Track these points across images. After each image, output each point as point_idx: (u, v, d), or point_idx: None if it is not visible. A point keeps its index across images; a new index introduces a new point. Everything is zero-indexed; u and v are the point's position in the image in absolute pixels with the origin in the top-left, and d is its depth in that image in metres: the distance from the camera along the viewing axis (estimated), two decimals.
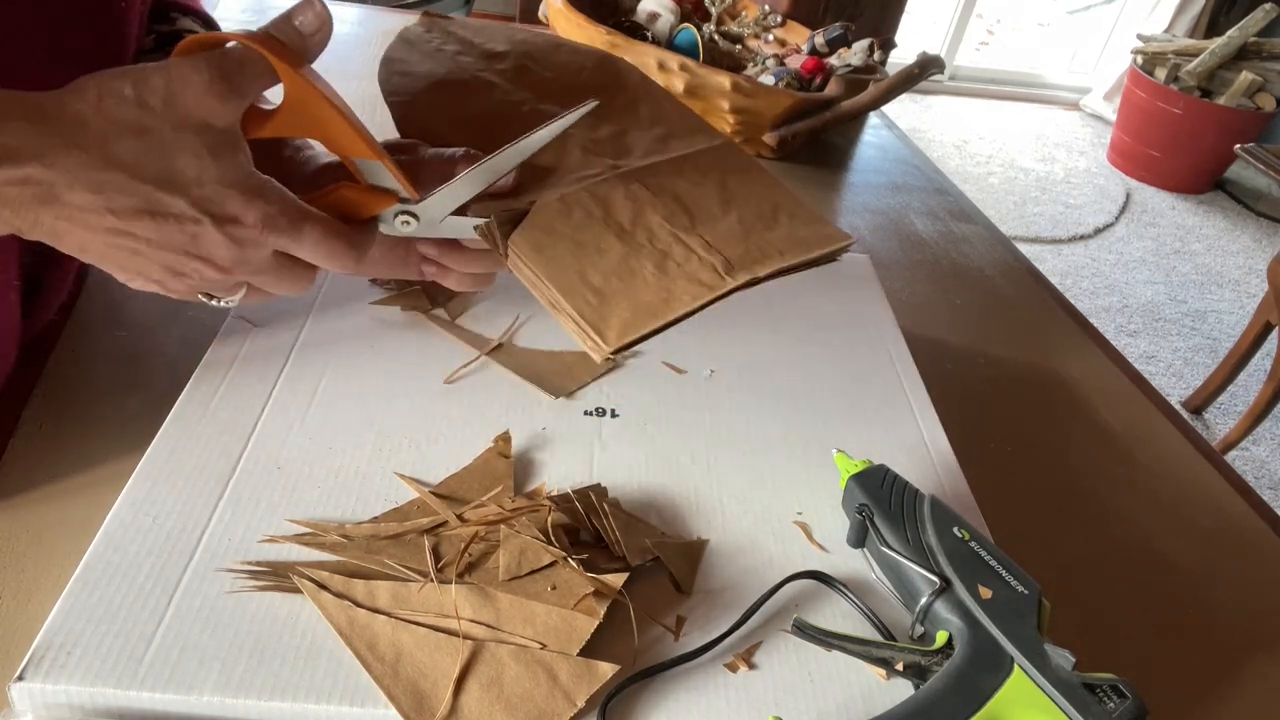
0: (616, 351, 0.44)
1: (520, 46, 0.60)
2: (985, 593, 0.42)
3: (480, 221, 0.46)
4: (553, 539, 0.43)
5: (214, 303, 0.45)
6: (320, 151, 0.51)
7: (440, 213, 0.46)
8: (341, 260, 0.43)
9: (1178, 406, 2.07)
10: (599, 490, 0.49)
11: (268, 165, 0.41)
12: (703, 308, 0.46)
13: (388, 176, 0.44)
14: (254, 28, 0.41)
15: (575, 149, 0.52)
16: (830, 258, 0.52)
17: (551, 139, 0.47)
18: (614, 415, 0.55)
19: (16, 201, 0.35)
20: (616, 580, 0.42)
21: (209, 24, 0.65)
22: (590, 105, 0.48)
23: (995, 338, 0.79)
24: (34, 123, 0.35)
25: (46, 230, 0.37)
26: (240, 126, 0.39)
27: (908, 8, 1.78)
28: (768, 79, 1.03)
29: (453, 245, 0.49)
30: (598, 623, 0.40)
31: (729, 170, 0.54)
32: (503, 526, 0.44)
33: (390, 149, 0.47)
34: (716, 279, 0.47)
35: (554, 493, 0.48)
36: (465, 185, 0.46)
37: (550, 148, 0.49)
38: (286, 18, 0.40)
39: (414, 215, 0.46)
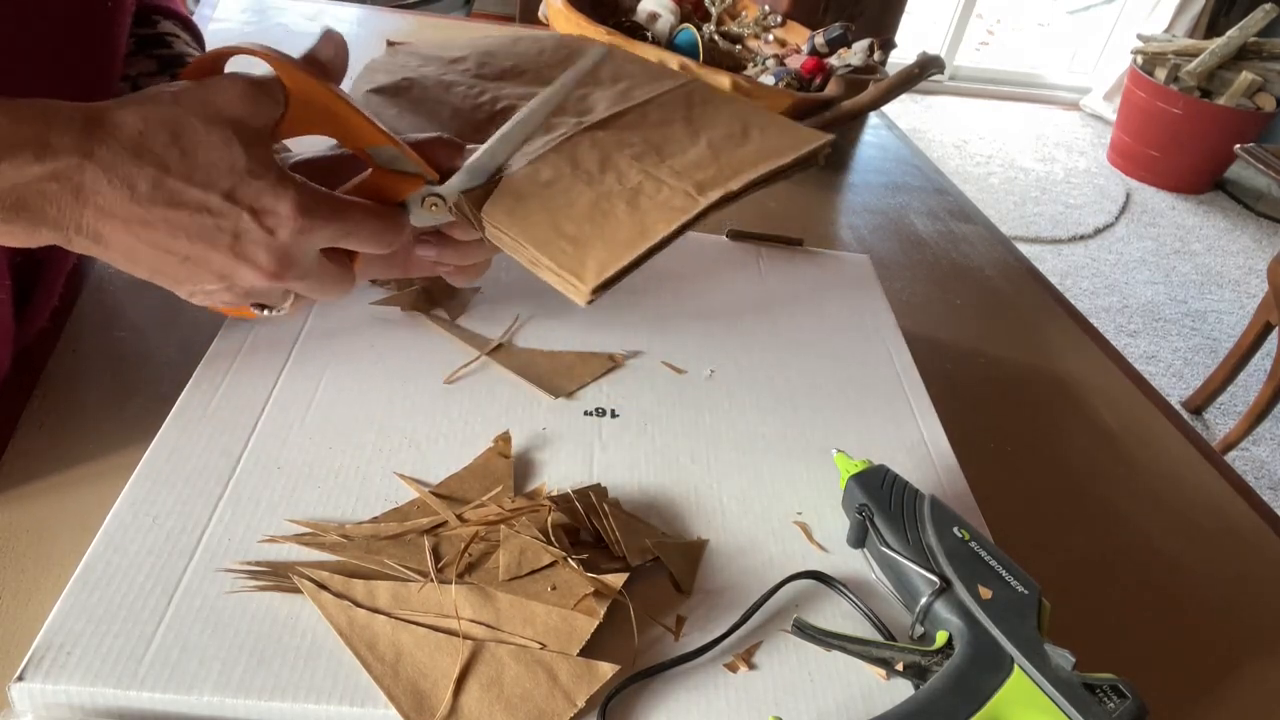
0: (599, 289, 0.45)
1: (479, 45, 0.62)
2: (985, 593, 0.42)
3: (451, 201, 0.47)
4: (553, 539, 0.43)
5: (266, 313, 0.45)
6: (296, 154, 0.51)
7: (474, 175, 0.47)
8: (388, 239, 0.44)
9: (1178, 406, 2.07)
10: (599, 490, 0.49)
11: None
12: (681, 231, 0.47)
13: (407, 162, 0.45)
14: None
15: (500, 105, 0.54)
16: (810, 161, 0.52)
17: (564, 95, 0.49)
18: (614, 415, 0.55)
19: (57, 198, 0.36)
20: (616, 580, 0.42)
21: (189, 27, 0.65)
22: (601, 51, 0.50)
23: (995, 338, 0.79)
24: (77, 125, 0.36)
25: (90, 234, 0.37)
26: None
27: (908, 8, 1.78)
28: (768, 79, 1.03)
29: (444, 239, 0.49)
30: (598, 623, 0.40)
31: (695, 104, 0.55)
32: (503, 526, 0.44)
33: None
34: (689, 201, 0.48)
35: (554, 493, 0.48)
36: (494, 146, 0.47)
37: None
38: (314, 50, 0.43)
39: (440, 197, 0.46)
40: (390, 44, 0.65)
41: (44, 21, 0.47)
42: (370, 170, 0.45)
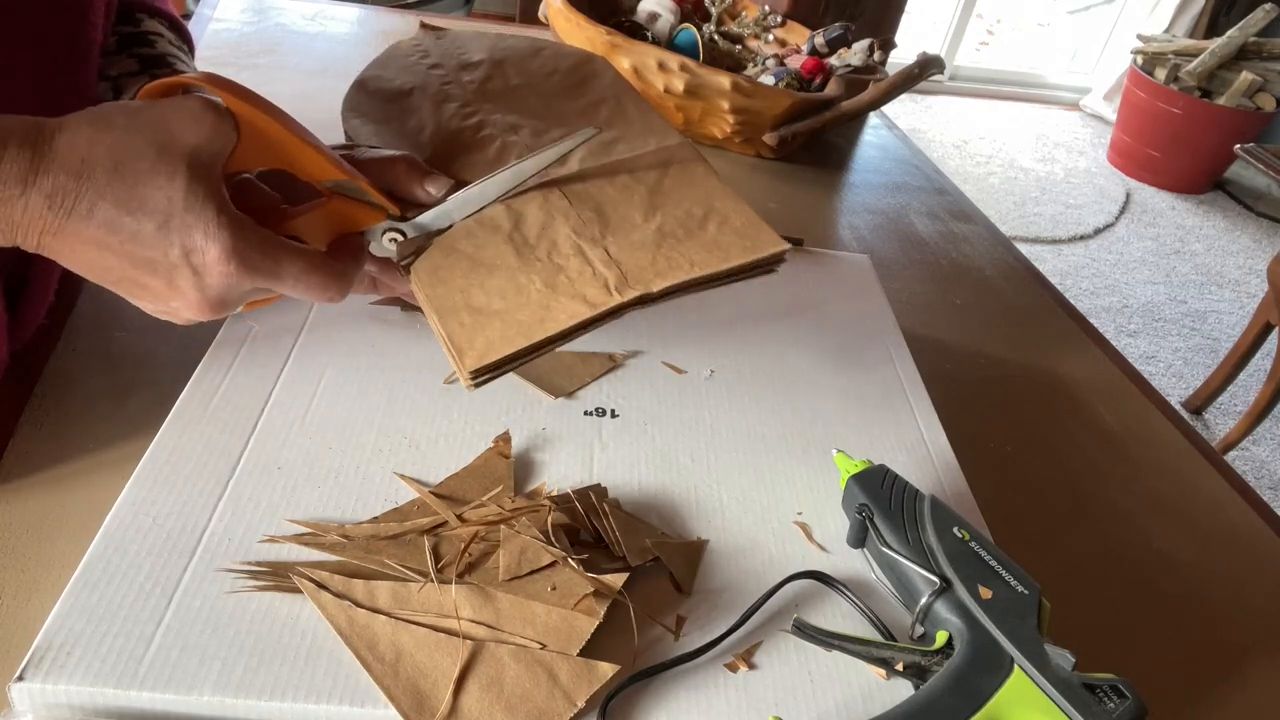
0: (478, 375, 0.43)
1: (497, 54, 0.60)
2: (985, 593, 0.42)
3: (390, 250, 0.47)
4: (553, 539, 0.43)
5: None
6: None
7: (426, 230, 0.46)
8: (325, 294, 0.42)
9: (1178, 406, 2.07)
10: (599, 490, 0.49)
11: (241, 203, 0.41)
12: (583, 327, 0.44)
13: (367, 195, 0.44)
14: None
15: (515, 152, 0.52)
16: (762, 268, 0.48)
17: (546, 165, 0.48)
18: (614, 415, 0.55)
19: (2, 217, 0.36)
20: (616, 580, 0.42)
21: (176, 26, 0.64)
22: (589, 134, 0.48)
23: (995, 338, 0.79)
24: (26, 156, 0.36)
25: (37, 246, 0.38)
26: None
27: (908, 8, 1.78)
28: (768, 79, 1.03)
29: (389, 265, 0.48)
30: (598, 623, 0.40)
31: (670, 172, 0.51)
32: (503, 526, 0.44)
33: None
34: (603, 295, 0.45)
35: (554, 493, 0.48)
36: (456, 206, 0.47)
37: (495, 151, 0.50)
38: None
39: (401, 232, 0.45)
40: (424, 27, 0.63)
41: (17, 15, 0.47)
42: (336, 197, 0.44)
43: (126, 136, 0.37)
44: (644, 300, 0.45)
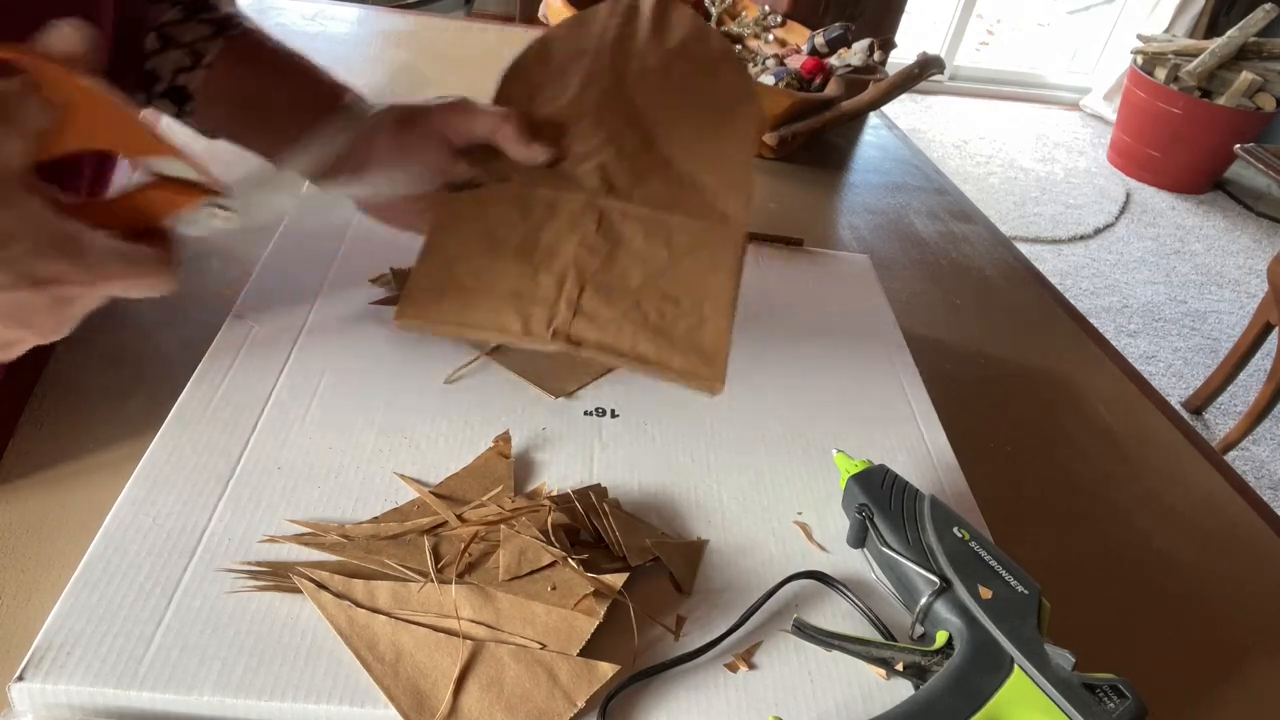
0: (404, 325, 0.47)
1: (658, 59, 0.57)
2: (985, 593, 0.42)
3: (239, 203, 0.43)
4: (553, 539, 0.43)
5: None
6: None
7: (260, 201, 0.42)
8: (155, 287, 0.39)
9: (1178, 406, 2.07)
10: (599, 490, 0.49)
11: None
12: (500, 344, 0.49)
13: (189, 170, 0.40)
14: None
15: (595, 138, 0.53)
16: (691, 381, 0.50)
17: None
18: (614, 415, 0.55)
19: None
20: (616, 580, 0.42)
21: None
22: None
23: (995, 338, 0.79)
24: None
25: None
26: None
27: (908, 8, 1.78)
28: (768, 79, 1.03)
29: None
30: (598, 623, 0.40)
31: (698, 256, 0.52)
32: (503, 526, 0.44)
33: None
34: (538, 330, 0.49)
35: (554, 493, 0.48)
36: (282, 174, 0.44)
37: (576, 114, 0.51)
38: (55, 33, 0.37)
39: (226, 206, 0.42)
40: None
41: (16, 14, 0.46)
42: (149, 185, 0.39)
43: None
44: (568, 349, 0.49)
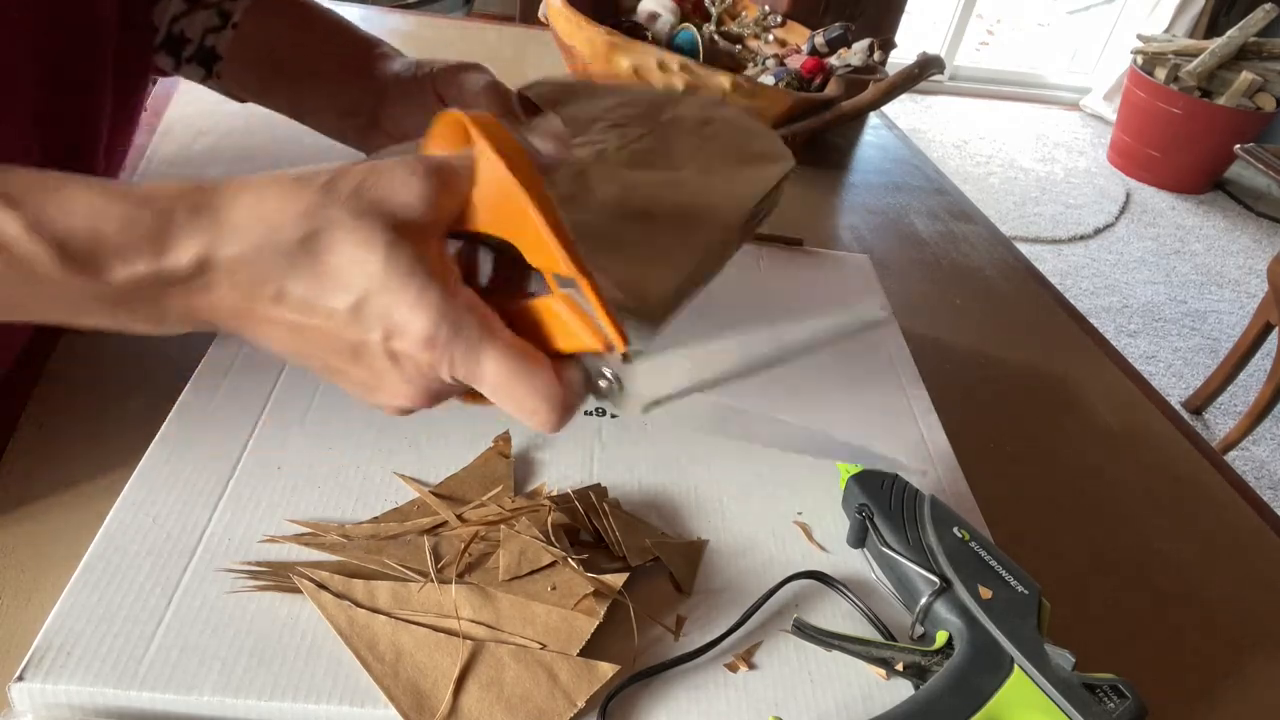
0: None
1: (698, 110, 0.55)
2: (985, 593, 0.42)
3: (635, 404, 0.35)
4: (553, 539, 0.43)
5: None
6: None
7: (651, 387, 0.35)
8: (532, 417, 0.33)
9: (1178, 406, 2.07)
10: (599, 490, 0.49)
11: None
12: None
13: (592, 310, 0.33)
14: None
15: (605, 130, 0.49)
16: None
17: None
18: (614, 415, 0.55)
19: (174, 299, 0.32)
20: (616, 580, 0.42)
21: None
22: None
23: (995, 338, 0.79)
24: (202, 228, 0.31)
25: (233, 332, 0.34)
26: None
27: (908, 8, 1.78)
28: (768, 79, 1.03)
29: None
30: (598, 623, 0.40)
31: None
32: (503, 526, 0.44)
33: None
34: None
35: (554, 493, 0.48)
36: (689, 364, 0.36)
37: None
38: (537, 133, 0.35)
39: (617, 380, 0.35)
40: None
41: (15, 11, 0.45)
42: (553, 295, 0.34)
43: (320, 200, 0.31)
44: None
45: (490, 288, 0.35)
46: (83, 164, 0.54)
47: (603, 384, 0.35)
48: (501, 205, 0.33)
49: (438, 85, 0.50)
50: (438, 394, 0.34)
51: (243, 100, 0.58)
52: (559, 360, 0.34)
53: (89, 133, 0.54)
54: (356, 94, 0.52)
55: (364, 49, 0.54)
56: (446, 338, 0.31)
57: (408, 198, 0.31)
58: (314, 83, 0.53)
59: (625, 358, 0.34)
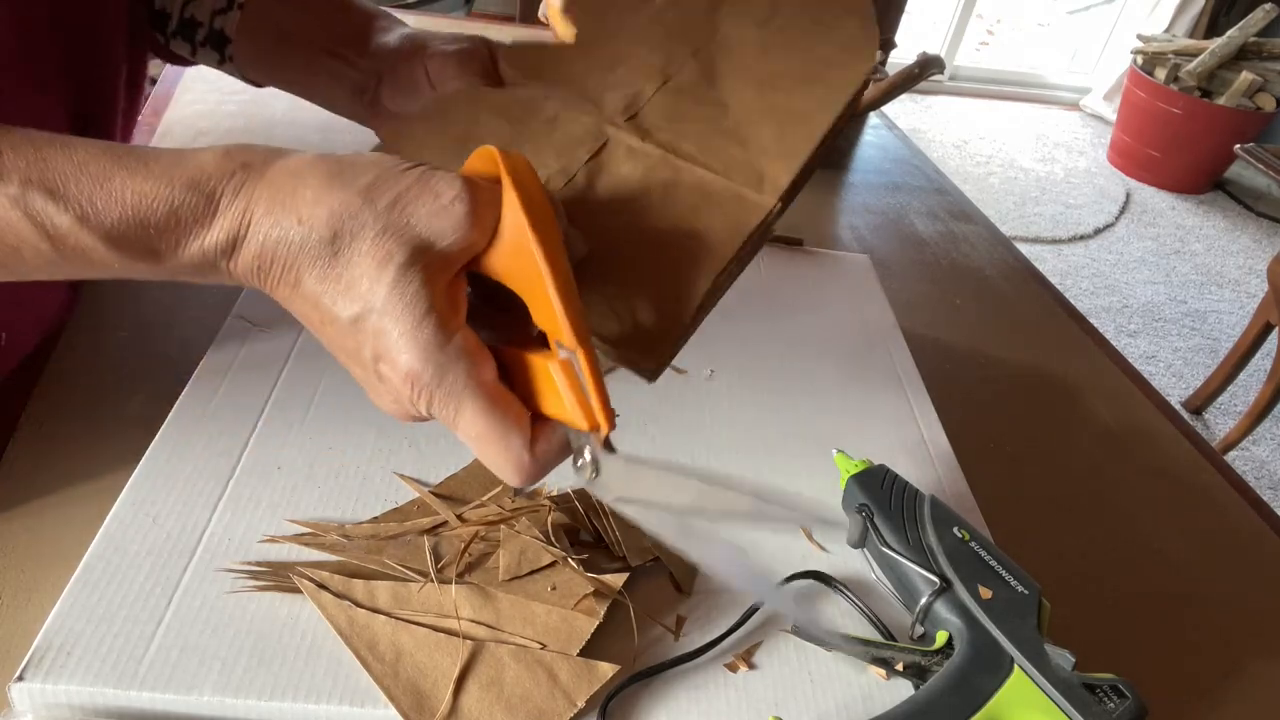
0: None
1: None
2: (985, 593, 0.42)
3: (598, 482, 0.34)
4: (553, 539, 0.43)
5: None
6: None
7: (622, 488, 0.34)
8: (501, 470, 0.33)
9: (1178, 406, 2.07)
10: None
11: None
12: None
13: (588, 392, 0.32)
14: None
15: (648, 62, 0.44)
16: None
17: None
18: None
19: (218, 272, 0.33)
20: (616, 580, 0.42)
21: None
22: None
23: (995, 338, 0.79)
24: (237, 193, 0.32)
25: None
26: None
27: (908, 8, 1.78)
28: None
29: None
30: (598, 623, 0.40)
31: (695, 221, 0.41)
32: (503, 526, 0.44)
33: None
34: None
35: (554, 493, 0.48)
36: (655, 483, 0.35)
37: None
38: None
39: (595, 465, 0.34)
40: None
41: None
42: (547, 353, 0.33)
43: (356, 205, 0.31)
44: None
45: (498, 321, 0.35)
46: (102, 130, 0.55)
47: (579, 462, 0.34)
48: (515, 259, 0.32)
49: (429, 65, 0.49)
50: (417, 419, 0.34)
51: (259, 84, 0.58)
52: (541, 421, 0.33)
53: (108, 96, 0.54)
54: (362, 71, 0.52)
55: (365, 22, 0.54)
56: (429, 380, 0.31)
57: (443, 224, 0.31)
58: (322, 61, 0.53)
59: (608, 444, 0.33)
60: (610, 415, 0.32)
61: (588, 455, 0.33)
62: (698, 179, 0.42)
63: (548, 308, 0.31)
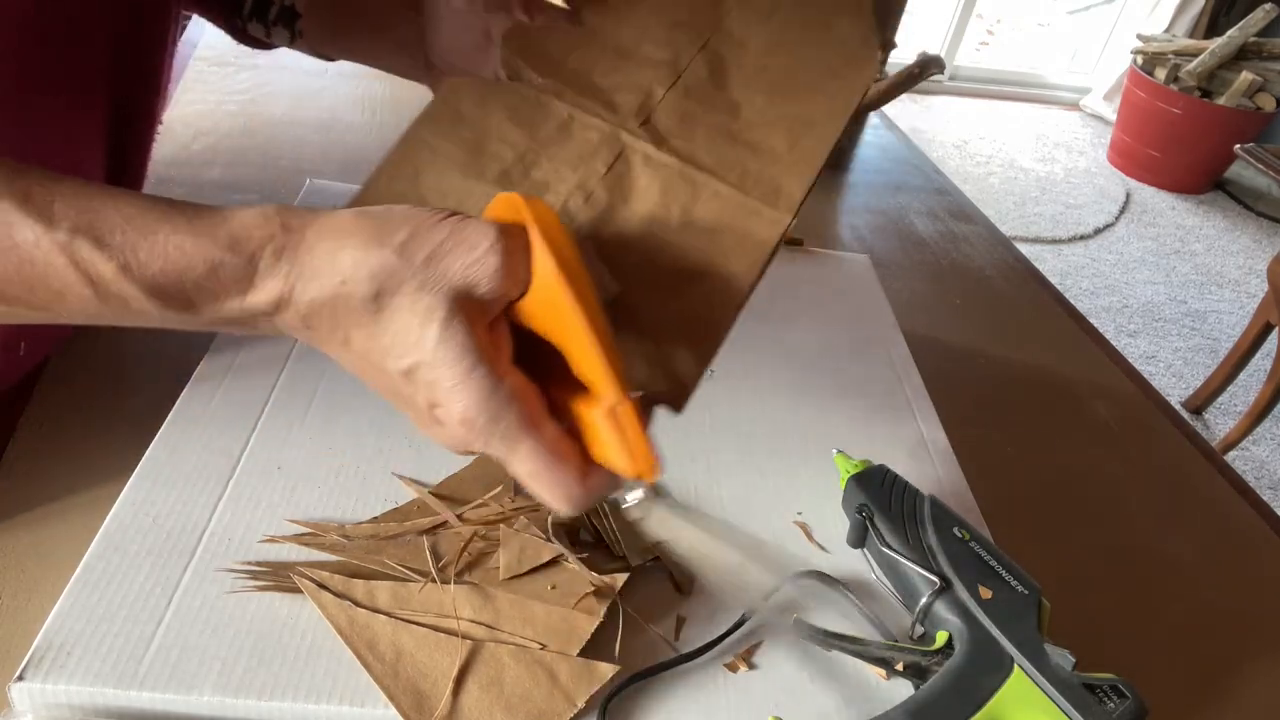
0: None
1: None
2: (985, 593, 0.42)
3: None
4: (553, 538, 0.43)
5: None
6: None
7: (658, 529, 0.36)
8: (551, 500, 0.34)
9: (1178, 406, 2.07)
10: None
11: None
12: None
13: (631, 429, 0.33)
14: None
15: (657, 54, 0.44)
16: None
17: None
18: None
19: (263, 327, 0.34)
20: (617, 580, 0.42)
21: None
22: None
23: (995, 338, 0.79)
24: (278, 255, 0.33)
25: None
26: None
27: (908, 8, 1.78)
28: None
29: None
30: (598, 622, 0.40)
31: (716, 239, 0.42)
32: (502, 526, 0.44)
33: None
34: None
35: None
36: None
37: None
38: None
39: (641, 498, 0.37)
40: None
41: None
42: (592, 398, 0.33)
43: (393, 263, 0.32)
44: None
45: (541, 360, 0.35)
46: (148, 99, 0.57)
47: (627, 497, 0.39)
48: (550, 310, 0.33)
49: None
50: (473, 454, 0.35)
51: (330, 58, 0.59)
52: (590, 463, 0.34)
53: (155, 67, 0.56)
54: (417, 31, 0.52)
55: None
56: (484, 426, 0.32)
57: (479, 274, 0.32)
58: (384, 27, 0.55)
59: (654, 488, 0.35)
60: (654, 464, 0.33)
61: (631, 499, 0.37)
62: (715, 194, 0.42)
63: (587, 361, 0.32)
